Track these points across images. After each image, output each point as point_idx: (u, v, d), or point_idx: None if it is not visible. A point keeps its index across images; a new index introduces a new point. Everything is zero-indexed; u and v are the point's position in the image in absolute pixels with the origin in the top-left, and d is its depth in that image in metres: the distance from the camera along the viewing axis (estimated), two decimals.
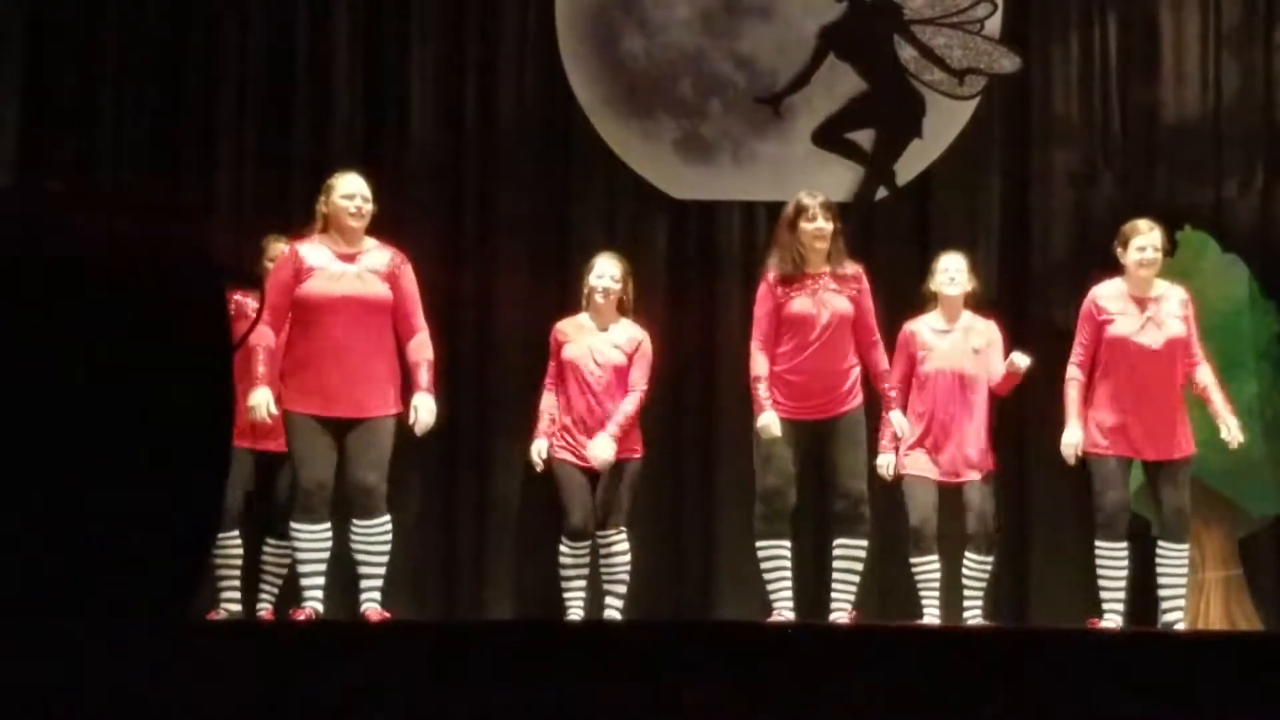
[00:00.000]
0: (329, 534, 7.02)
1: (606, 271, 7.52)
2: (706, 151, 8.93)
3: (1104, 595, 7.19)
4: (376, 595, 7.04)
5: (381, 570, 7.05)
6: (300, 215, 7.78)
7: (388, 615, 7.08)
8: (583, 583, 7.42)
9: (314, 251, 6.98)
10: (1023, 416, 8.26)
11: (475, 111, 8.89)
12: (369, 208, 7.03)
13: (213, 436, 3.17)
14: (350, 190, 7.03)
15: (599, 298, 7.49)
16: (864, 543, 7.21)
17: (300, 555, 7.01)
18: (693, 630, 3.98)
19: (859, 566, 7.21)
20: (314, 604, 6.99)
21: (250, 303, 7.09)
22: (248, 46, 8.85)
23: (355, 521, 7.02)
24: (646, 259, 8.83)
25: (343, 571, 7.34)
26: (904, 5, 8.97)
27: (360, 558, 7.04)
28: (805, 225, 7.14)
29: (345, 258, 6.99)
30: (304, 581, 7.01)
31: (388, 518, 7.02)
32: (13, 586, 2.95)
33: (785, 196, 8.19)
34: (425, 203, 8.73)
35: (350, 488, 6.97)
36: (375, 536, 7.02)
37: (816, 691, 2.71)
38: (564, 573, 7.43)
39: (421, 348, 7.01)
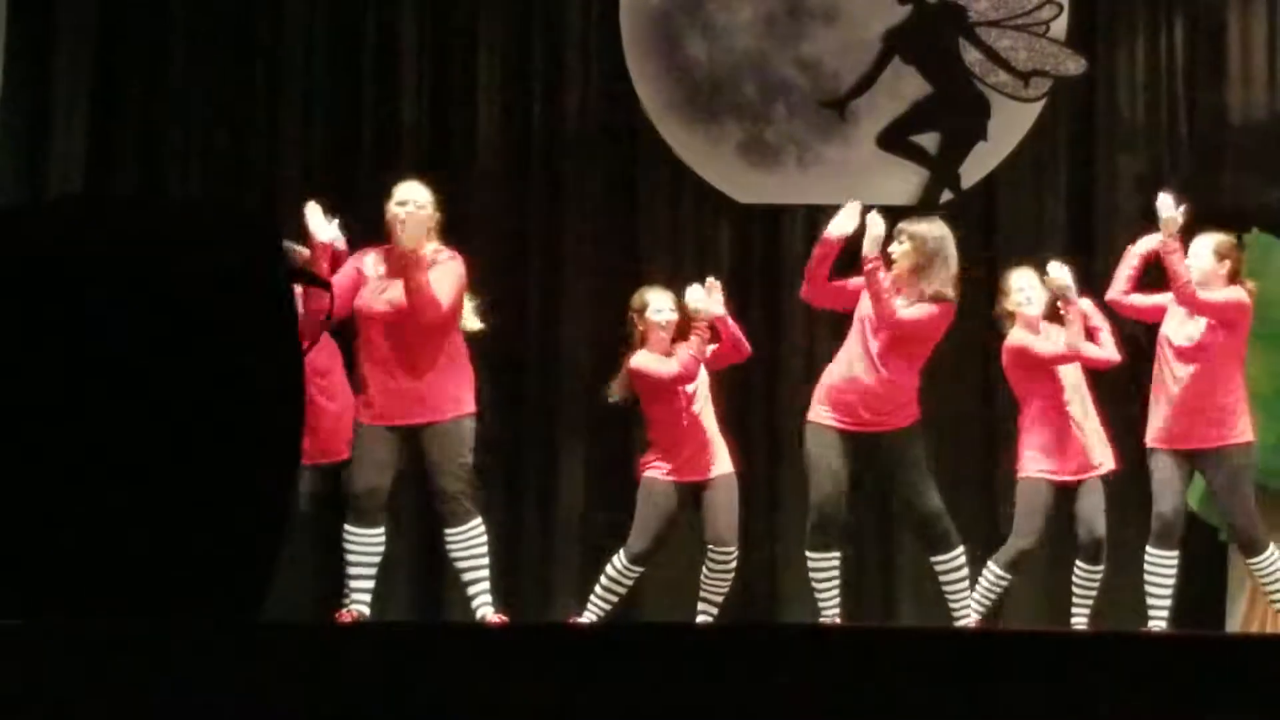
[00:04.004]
0: (381, 539, 7.06)
1: (665, 305, 7.40)
2: (771, 155, 8.92)
3: (1152, 602, 7.24)
4: (488, 598, 7.07)
5: (485, 573, 7.06)
6: (365, 222, 7.83)
7: (504, 618, 7.10)
8: (617, 599, 7.40)
9: (369, 261, 7.01)
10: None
11: (540, 117, 8.91)
12: (423, 214, 6.99)
13: (283, 437, 3.19)
14: (403, 196, 7.04)
15: (662, 333, 7.37)
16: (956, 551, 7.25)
17: (350, 558, 7.07)
18: (759, 632, 3.99)
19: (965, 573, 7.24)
20: (360, 607, 7.04)
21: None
22: (314, 54, 8.90)
23: (446, 530, 7.06)
24: (710, 263, 8.83)
25: (389, 575, 7.37)
26: (969, 8, 8.94)
27: (460, 564, 7.08)
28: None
29: (395, 269, 6.96)
30: (352, 584, 7.06)
31: (478, 520, 7.06)
32: (76, 585, 2.98)
33: (850, 200, 8.20)
34: (490, 209, 8.76)
35: (435, 498, 7.03)
36: (470, 541, 7.06)
37: (874, 692, 2.70)
38: (606, 583, 7.38)
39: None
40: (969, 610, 7.20)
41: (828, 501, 7.19)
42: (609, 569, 7.39)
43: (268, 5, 8.91)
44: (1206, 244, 7.32)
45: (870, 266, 7.09)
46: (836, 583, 7.27)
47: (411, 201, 7.02)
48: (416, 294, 6.86)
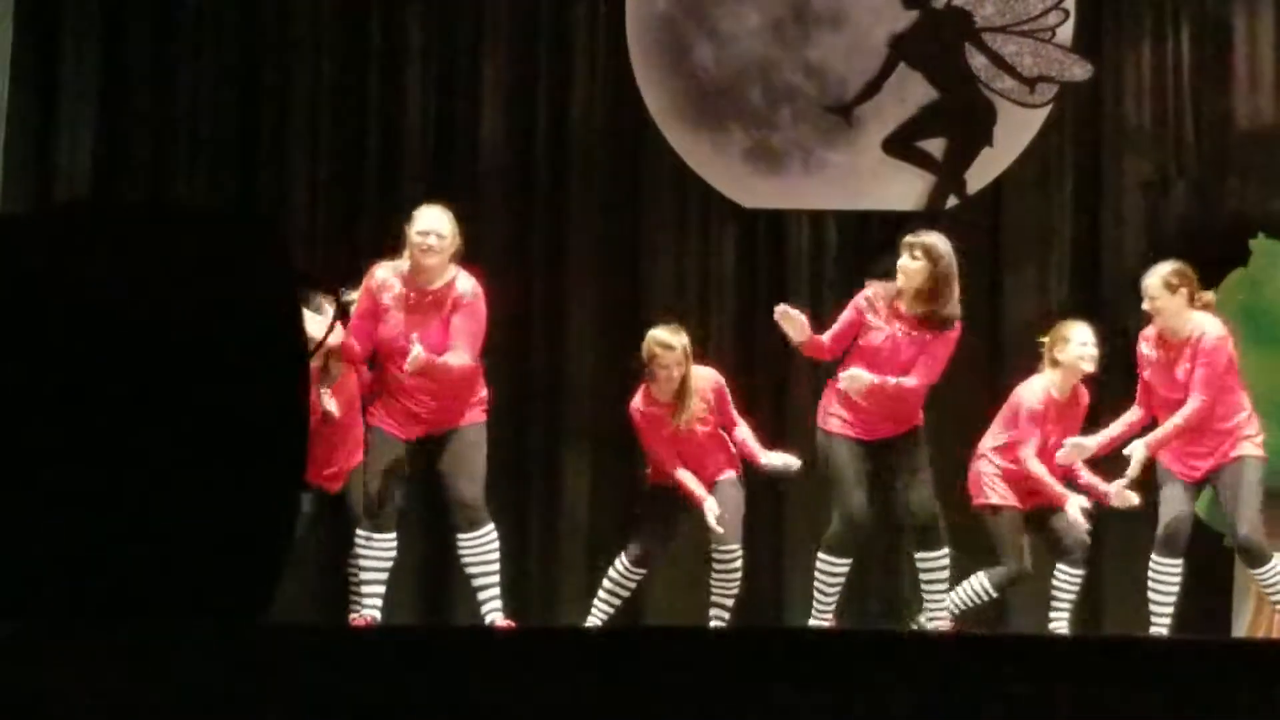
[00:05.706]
0: (393, 544, 7.09)
1: (667, 350, 7.26)
2: (777, 161, 8.93)
3: (1155, 609, 7.26)
4: (497, 604, 7.12)
5: (496, 579, 7.12)
6: (370, 223, 7.84)
7: (513, 624, 7.11)
8: (619, 603, 7.43)
9: (392, 285, 6.93)
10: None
11: (546, 122, 8.92)
12: (442, 244, 6.89)
13: (287, 441, 3.19)
14: (425, 226, 6.93)
15: (661, 371, 7.25)
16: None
17: (363, 563, 7.09)
18: (765, 636, 4.00)
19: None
20: (373, 611, 7.07)
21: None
22: (320, 57, 8.92)
23: (460, 536, 7.09)
24: (716, 268, 8.85)
25: (396, 581, 7.38)
26: (975, 13, 8.94)
27: (472, 570, 7.13)
28: None
29: (418, 294, 6.94)
30: (364, 589, 7.10)
31: (491, 526, 7.10)
32: (83, 590, 2.99)
33: (855, 205, 8.20)
34: (496, 213, 8.77)
35: (450, 504, 7.06)
36: (483, 547, 7.09)
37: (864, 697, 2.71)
38: (609, 586, 7.42)
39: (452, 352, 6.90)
40: (944, 610, 7.24)
41: (857, 510, 7.22)
42: (611, 572, 7.43)
43: (274, 9, 8.93)
44: (1156, 276, 7.30)
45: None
46: (841, 587, 7.32)
47: (434, 233, 6.90)
48: (444, 372, 6.89)
